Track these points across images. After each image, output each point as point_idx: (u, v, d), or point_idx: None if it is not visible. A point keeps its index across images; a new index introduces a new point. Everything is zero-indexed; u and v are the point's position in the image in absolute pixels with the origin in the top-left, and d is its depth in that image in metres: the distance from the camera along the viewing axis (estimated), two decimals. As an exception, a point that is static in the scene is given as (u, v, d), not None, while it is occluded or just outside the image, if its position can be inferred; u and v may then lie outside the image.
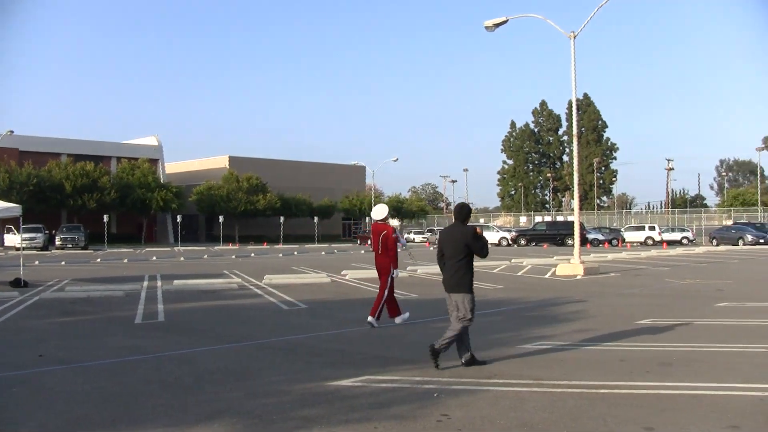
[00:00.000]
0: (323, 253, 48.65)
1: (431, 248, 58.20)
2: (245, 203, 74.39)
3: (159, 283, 21.96)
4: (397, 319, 13.18)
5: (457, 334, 8.86)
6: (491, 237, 61.70)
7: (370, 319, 12.83)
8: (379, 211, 13.43)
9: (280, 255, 44.91)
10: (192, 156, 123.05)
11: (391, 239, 13.07)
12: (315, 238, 75.27)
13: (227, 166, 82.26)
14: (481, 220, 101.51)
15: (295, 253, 48.53)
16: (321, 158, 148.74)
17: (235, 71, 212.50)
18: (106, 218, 59.27)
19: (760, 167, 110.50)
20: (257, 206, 75.16)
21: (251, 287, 20.69)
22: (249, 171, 78.60)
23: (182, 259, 39.93)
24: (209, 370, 8.96)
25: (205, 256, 42.83)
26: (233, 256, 42.61)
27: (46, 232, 54.91)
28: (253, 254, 45.87)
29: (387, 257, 13.01)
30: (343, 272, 25.44)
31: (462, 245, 8.99)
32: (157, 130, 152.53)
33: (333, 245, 68.47)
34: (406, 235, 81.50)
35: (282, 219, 72.00)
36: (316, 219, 75.22)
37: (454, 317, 8.98)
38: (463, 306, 8.94)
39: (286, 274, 24.96)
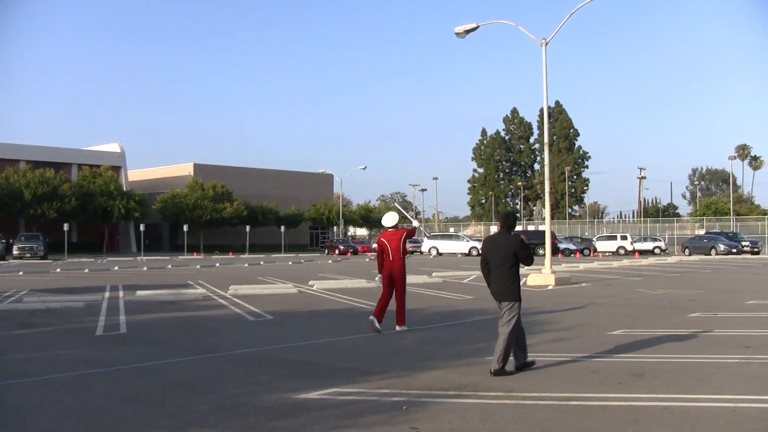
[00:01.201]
0: (290, 262, 48.51)
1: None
2: (210, 212, 74.01)
3: (121, 293, 21.76)
4: (378, 325, 13.30)
5: (507, 343, 9.14)
6: (461, 247, 61.85)
7: (398, 328, 13.43)
8: (389, 219, 14.05)
9: (246, 265, 44.69)
10: (156, 163, 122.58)
11: (409, 234, 13.81)
12: (282, 247, 75.06)
13: (192, 173, 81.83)
14: (451, 229, 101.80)
15: (262, 262, 48.32)
16: (288, 166, 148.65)
17: (199, 77, 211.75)
18: (66, 227, 58.65)
19: (733, 176, 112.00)
20: (223, 215, 74.82)
21: (216, 298, 20.56)
22: (214, 179, 78.31)
23: (145, 269, 39.60)
24: (173, 382, 8.89)
25: (169, 266, 42.50)
26: (198, 266, 42.33)
27: (3, 241, 54.21)
28: (218, 264, 45.61)
29: (403, 262, 13.52)
30: (310, 282, 25.38)
31: (511, 253, 9.31)
32: (120, 137, 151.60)
33: (300, 255, 68.35)
34: (374, 245, 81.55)
35: (248, 228, 71.56)
36: (282, 228, 74.96)
37: (502, 327, 9.25)
38: (510, 313, 9.22)
39: (252, 284, 24.85)
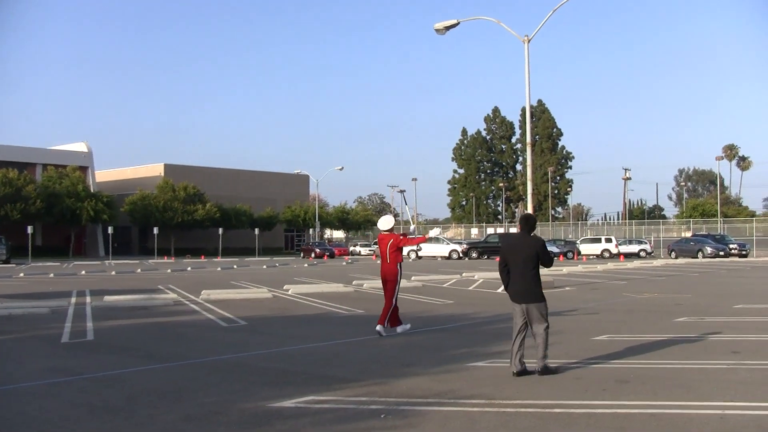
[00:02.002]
0: (264, 266, 48.36)
1: (378, 261, 58.20)
2: (182, 214, 73.76)
3: (88, 299, 21.62)
4: (399, 329, 14.00)
5: (546, 340, 9.59)
6: (441, 250, 61.77)
7: (378, 327, 13.71)
8: (385, 222, 14.68)
9: (219, 269, 44.55)
10: (124, 163, 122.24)
11: (400, 242, 14.16)
12: (256, 250, 74.91)
13: (162, 174, 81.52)
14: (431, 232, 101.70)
15: (235, 266, 48.15)
16: (262, 167, 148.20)
17: (169, 74, 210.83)
18: (30, 229, 58.04)
19: (720, 177, 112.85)
20: (195, 217, 74.58)
21: (188, 303, 20.48)
22: (186, 180, 78.03)
23: (113, 273, 39.37)
24: (142, 391, 8.83)
25: (139, 270, 42.29)
26: (168, 270, 42.17)
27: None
28: (189, 268, 45.42)
29: (394, 265, 14.00)
30: (285, 287, 25.33)
31: (533, 255, 9.63)
32: (87, 136, 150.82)
33: (275, 258, 68.22)
34: (351, 248, 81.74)
35: (221, 231, 71.46)
36: (257, 231, 74.84)
37: (537, 328, 9.63)
38: (540, 314, 9.63)
39: (224, 289, 24.74)
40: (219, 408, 7.86)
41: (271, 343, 12.96)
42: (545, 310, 9.70)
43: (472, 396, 8.27)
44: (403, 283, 27.10)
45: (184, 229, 76.12)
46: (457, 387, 8.78)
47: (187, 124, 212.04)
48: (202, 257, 68.61)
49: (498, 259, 10.12)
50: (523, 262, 9.60)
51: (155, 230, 66.25)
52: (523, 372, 9.43)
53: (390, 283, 13.98)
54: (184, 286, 27.06)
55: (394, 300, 13.95)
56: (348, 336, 13.71)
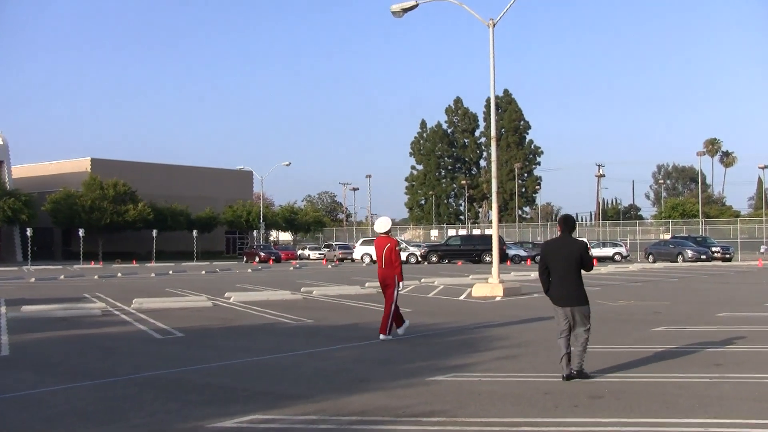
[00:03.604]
0: (203, 272, 48.16)
1: (329, 266, 58.17)
2: (111, 214, 72.94)
3: (3, 309, 21.36)
4: (400, 330, 14.85)
5: (586, 343, 10.30)
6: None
7: (382, 336, 14.53)
8: (382, 224, 15.22)
9: (153, 275, 44.24)
10: (46, 158, 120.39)
11: (396, 252, 14.85)
12: (194, 254, 74.44)
13: (89, 169, 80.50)
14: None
15: (171, 272, 47.86)
16: (201, 162, 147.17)
17: (95, 59, 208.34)
18: (-64, 233, 57.21)
19: (702, 174, 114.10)
20: (125, 218, 73.86)
21: (117, 313, 20.31)
22: (115, 176, 77.15)
23: (33, 280, 38.86)
24: (64, 412, 8.72)
25: (62, 277, 41.82)
26: (96, 277, 41.74)
27: None
28: (120, 274, 45.03)
29: (392, 270, 14.69)
30: (226, 294, 25.21)
31: (577, 258, 10.24)
32: (2, 126, 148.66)
33: (215, 263, 67.90)
34: (299, 252, 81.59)
35: (155, 233, 70.87)
36: (195, 232, 74.36)
37: (579, 330, 10.27)
38: (584, 317, 10.27)
39: (159, 297, 24.58)
40: (152, 429, 7.79)
41: (210, 356, 12.88)
42: (588, 312, 10.30)
43: (432, 413, 8.27)
44: (356, 290, 27.22)
45: (113, 231, 75.36)
46: (416, 403, 8.77)
47: (115, 114, 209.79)
48: (134, 262, 68.01)
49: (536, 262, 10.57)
50: (564, 266, 10.21)
51: (81, 232, 65.45)
52: (571, 376, 10.01)
53: (390, 288, 14.61)
54: (113, 294, 26.81)
55: (393, 306, 14.54)
56: (296, 348, 13.66)
